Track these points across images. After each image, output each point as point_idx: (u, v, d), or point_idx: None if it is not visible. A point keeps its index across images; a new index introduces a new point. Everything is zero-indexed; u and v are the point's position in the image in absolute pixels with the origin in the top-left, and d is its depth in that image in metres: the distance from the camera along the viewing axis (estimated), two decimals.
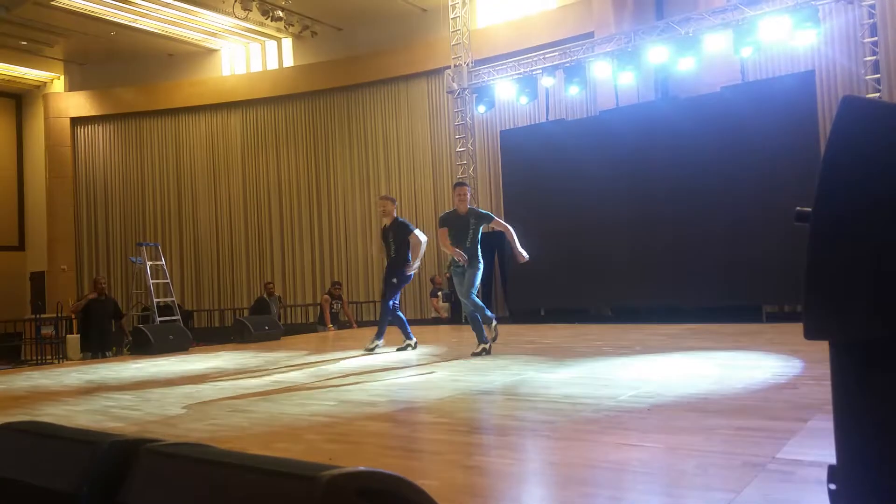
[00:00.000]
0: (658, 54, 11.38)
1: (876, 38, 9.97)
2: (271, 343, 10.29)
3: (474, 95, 13.68)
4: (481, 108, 13.62)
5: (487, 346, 6.96)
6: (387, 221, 7.95)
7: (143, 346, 9.53)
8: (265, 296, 14.43)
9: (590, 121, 13.00)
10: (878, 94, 9.78)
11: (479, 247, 7.09)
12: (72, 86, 19.37)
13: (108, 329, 11.50)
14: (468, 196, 7.23)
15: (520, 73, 12.96)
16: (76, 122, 19.30)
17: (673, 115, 11.46)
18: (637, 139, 11.51)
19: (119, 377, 7.00)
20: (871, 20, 9.88)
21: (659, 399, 4.13)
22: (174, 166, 19.02)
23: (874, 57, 9.92)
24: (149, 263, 12.98)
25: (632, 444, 3.15)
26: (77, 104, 19.20)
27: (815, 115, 10.24)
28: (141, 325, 10.72)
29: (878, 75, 9.96)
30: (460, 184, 7.56)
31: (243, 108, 18.50)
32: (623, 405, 4.00)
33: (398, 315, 8.02)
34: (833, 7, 10.79)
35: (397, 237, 7.80)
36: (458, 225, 7.07)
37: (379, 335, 7.98)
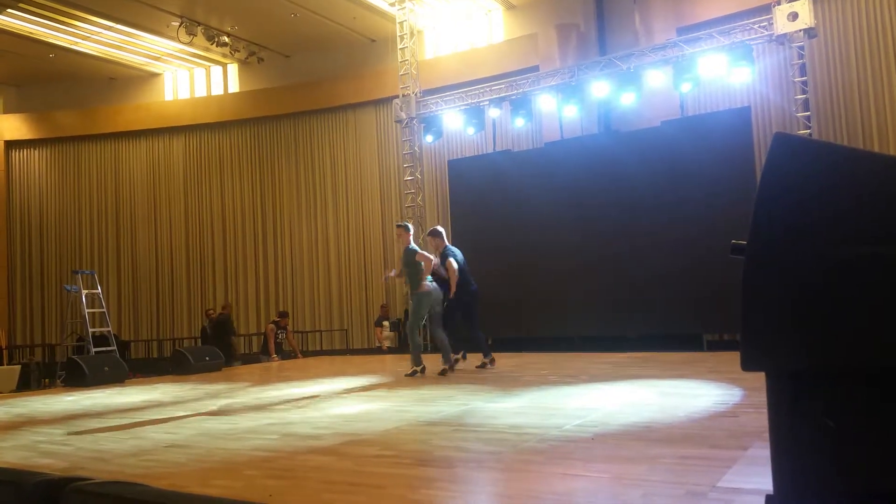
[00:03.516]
0: (600, 89, 11.68)
1: (805, 78, 10.46)
2: (213, 374, 10.01)
3: (422, 125, 13.77)
4: (429, 138, 13.70)
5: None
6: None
7: (78, 378, 9.17)
8: (206, 324, 14.03)
9: (535, 152, 13.22)
10: (808, 131, 10.23)
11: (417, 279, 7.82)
12: (6, 108, 18.71)
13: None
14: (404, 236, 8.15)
15: (467, 104, 13.13)
16: (10, 145, 18.62)
17: (615, 147, 11.74)
18: (581, 171, 11.75)
19: (50, 410, 6.70)
20: (801, 60, 10.37)
21: (604, 428, 4.15)
22: (113, 192, 18.49)
23: (804, 95, 10.39)
24: (84, 292, 12.50)
25: (577, 475, 3.15)
26: (11, 127, 18.54)
27: (751, 149, 10.63)
28: (75, 356, 10.30)
29: (809, 112, 10.43)
30: (397, 225, 8.60)
31: (186, 134, 18.17)
32: (568, 435, 4.01)
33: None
34: (766, 47, 11.30)
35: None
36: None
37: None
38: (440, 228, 8.48)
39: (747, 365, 1.43)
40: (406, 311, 8.51)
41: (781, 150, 1.48)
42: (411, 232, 8.29)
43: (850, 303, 1.34)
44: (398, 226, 8.50)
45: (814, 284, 1.37)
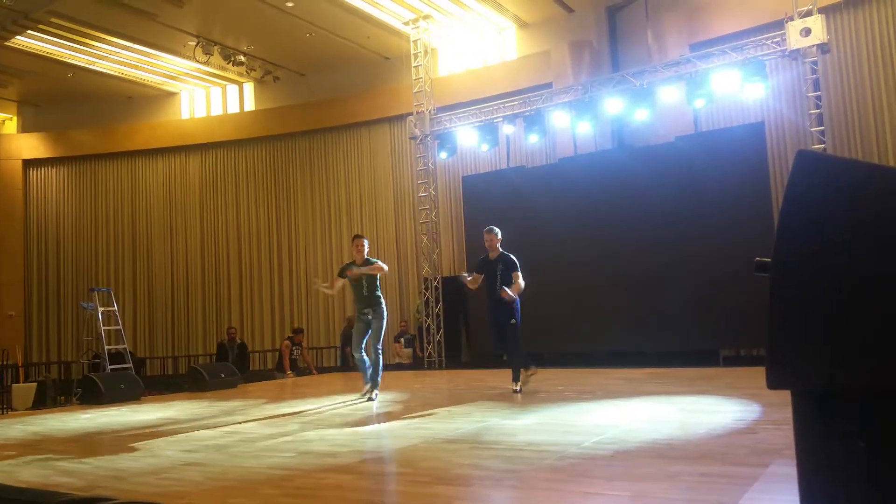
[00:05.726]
0: (614, 105, 11.69)
1: (819, 93, 10.42)
2: (228, 391, 10.03)
3: (436, 142, 13.82)
4: (443, 155, 13.75)
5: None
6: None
7: (93, 396, 9.19)
8: (225, 341, 14.10)
9: (549, 168, 13.23)
10: (822, 146, 10.17)
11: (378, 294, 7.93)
12: (25, 127, 18.99)
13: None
14: (365, 247, 8.07)
15: (481, 121, 13.17)
16: (28, 163, 18.87)
17: (629, 163, 11.75)
18: (595, 186, 11.75)
19: (67, 428, 6.72)
20: (815, 76, 10.34)
21: (622, 445, 4.12)
22: (129, 210, 18.66)
23: (818, 110, 10.35)
24: (101, 309, 12.59)
25: (597, 493, 3.12)
26: (30, 146, 18.80)
27: (766, 165, 10.61)
28: (91, 374, 10.35)
29: (823, 127, 10.38)
30: (358, 236, 8.32)
31: (202, 152, 18.33)
32: (587, 452, 3.98)
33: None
34: (779, 62, 11.28)
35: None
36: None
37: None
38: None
39: (773, 384, 1.42)
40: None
41: (804, 168, 1.49)
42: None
43: (877, 319, 1.34)
44: (360, 237, 8.25)
45: (840, 302, 1.36)
